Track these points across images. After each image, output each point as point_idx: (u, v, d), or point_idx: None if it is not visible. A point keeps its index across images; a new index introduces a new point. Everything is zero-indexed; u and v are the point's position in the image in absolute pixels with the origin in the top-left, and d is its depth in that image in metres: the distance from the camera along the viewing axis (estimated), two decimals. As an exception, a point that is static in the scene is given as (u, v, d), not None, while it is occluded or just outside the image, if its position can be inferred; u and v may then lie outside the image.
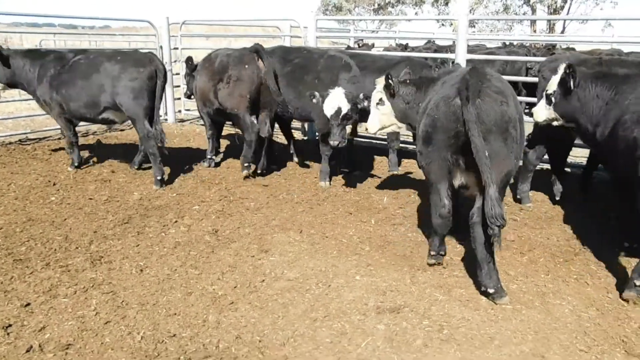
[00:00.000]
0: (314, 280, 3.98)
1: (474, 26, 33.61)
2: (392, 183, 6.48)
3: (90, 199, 5.84)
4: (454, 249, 4.59)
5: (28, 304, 3.59)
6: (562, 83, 4.66)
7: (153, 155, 6.18)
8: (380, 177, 6.69)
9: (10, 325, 3.33)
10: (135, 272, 4.09)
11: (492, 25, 35.16)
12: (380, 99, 4.89)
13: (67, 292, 3.75)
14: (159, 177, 6.19)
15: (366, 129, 5.29)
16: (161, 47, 10.05)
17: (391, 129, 5.14)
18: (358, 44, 14.23)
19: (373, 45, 13.88)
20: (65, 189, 6.15)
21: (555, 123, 4.97)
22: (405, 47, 12.95)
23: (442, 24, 29.04)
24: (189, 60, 7.35)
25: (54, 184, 6.31)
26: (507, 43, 13.99)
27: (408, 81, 4.85)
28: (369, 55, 7.40)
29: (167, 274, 4.07)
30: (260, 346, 3.16)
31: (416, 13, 39.81)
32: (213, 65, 6.54)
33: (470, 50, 8.67)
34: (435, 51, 11.82)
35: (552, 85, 4.79)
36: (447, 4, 37.88)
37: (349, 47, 12.12)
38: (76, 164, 6.86)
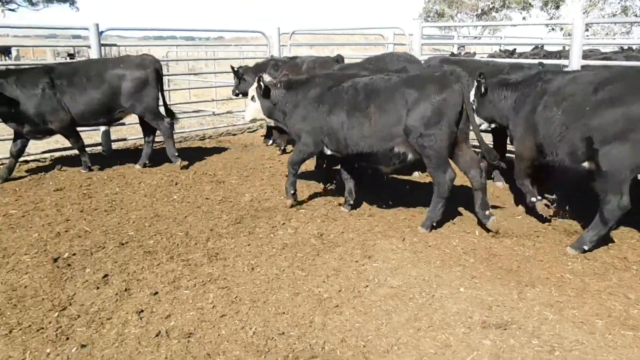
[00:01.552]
0: (417, 289, 3.92)
1: (588, 30, 31.30)
2: (498, 194, 6.21)
3: (207, 198, 6.20)
4: (565, 266, 4.31)
5: (156, 293, 3.88)
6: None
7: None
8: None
9: (142, 311, 3.62)
10: (247, 270, 4.27)
11: (609, 28, 32.55)
12: (253, 97, 5.77)
13: (188, 285, 4.01)
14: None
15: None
16: (272, 55, 10.44)
17: (262, 121, 6.23)
18: (460, 52, 13.82)
19: (475, 54, 13.39)
20: (186, 189, 6.58)
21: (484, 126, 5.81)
22: (512, 53, 12.35)
23: (552, 29, 27.33)
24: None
25: (176, 184, 6.78)
26: (626, 47, 12.87)
27: (279, 84, 5.61)
28: (474, 62, 7.20)
29: (276, 273, 4.21)
30: (365, 351, 3.17)
31: (524, 18, 37.83)
32: (299, 69, 6.90)
33: (584, 55, 8.08)
34: (544, 57, 11.15)
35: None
36: (557, 7, 35.65)
37: (452, 55, 11.80)
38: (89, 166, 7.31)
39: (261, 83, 5.60)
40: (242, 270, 4.27)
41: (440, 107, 4.65)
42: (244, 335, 3.32)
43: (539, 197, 5.24)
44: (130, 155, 8.29)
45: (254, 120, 6.26)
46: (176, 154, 7.50)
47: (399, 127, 4.82)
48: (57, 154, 8.18)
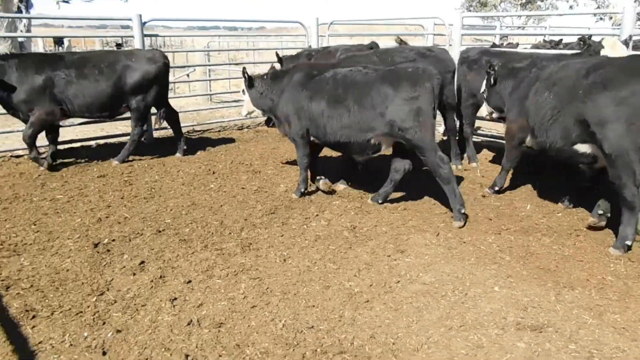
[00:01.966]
0: (450, 286, 3.81)
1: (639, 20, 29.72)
2: (538, 189, 5.99)
3: (243, 188, 6.23)
4: (607, 268, 4.11)
5: (189, 281, 3.91)
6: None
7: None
8: (523, 182, 6.21)
9: (175, 299, 3.65)
10: (279, 261, 4.26)
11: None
12: (243, 90, 6.03)
13: (221, 274, 4.02)
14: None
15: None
16: (310, 45, 10.35)
17: (255, 113, 6.29)
18: (502, 42, 13.34)
19: (517, 45, 12.90)
20: (222, 178, 6.62)
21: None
22: (557, 44, 11.84)
23: (601, 18, 26.13)
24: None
25: (213, 173, 6.83)
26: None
27: (265, 76, 5.86)
28: (515, 53, 6.94)
29: (307, 265, 4.18)
30: (394, 349, 3.10)
31: (571, 7, 36.32)
32: (333, 57, 6.95)
33: (635, 46, 7.65)
34: (590, 47, 10.64)
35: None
36: (607, -5, 34.06)
37: (494, 45, 11.42)
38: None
39: (245, 75, 5.87)
40: (274, 261, 4.26)
41: (414, 102, 4.88)
42: (273, 327, 3.31)
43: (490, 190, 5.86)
44: (171, 143, 8.40)
45: (249, 114, 6.35)
46: (126, 159, 7.32)
47: (377, 121, 5.03)
48: (101, 141, 8.38)
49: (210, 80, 13.68)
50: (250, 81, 5.91)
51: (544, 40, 12.92)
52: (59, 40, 31.28)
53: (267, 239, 4.73)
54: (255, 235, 4.82)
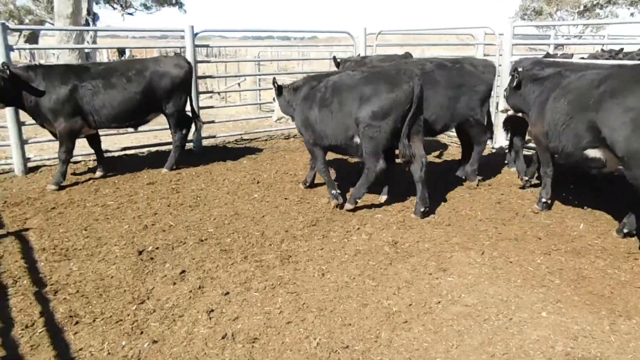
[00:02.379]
0: (494, 309, 3.60)
1: None
2: (592, 207, 5.62)
3: (286, 198, 6.19)
4: (668, 296, 3.77)
5: (227, 293, 3.88)
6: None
7: None
8: (576, 198, 5.86)
9: (212, 311, 3.63)
10: (317, 276, 4.17)
11: None
12: (274, 98, 6.40)
13: (259, 287, 3.97)
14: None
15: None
16: (359, 55, 10.26)
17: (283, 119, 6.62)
18: (556, 52, 12.73)
19: (572, 55, 12.29)
20: (266, 187, 6.62)
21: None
22: (617, 53, 11.20)
23: (665, 26, 24.56)
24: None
25: (258, 182, 6.84)
26: None
27: (290, 86, 6.17)
28: (569, 64, 6.57)
29: (346, 281, 4.07)
30: (431, 374, 2.94)
31: (632, 14, 34.47)
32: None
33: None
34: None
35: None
36: (673, 1, 32.10)
37: (548, 55, 10.94)
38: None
39: (275, 84, 6.24)
40: (313, 276, 4.17)
41: (388, 103, 5.08)
42: (307, 345, 3.22)
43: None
44: (218, 152, 8.52)
45: (279, 119, 6.65)
46: (174, 167, 7.40)
47: (351, 120, 5.30)
48: (153, 149, 8.58)
49: (260, 89, 13.82)
50: (279, 90, 6.22)
51: (602, 50, 12.27)
52: (122, 51, 32.61)
53: (307, 251, 4.65)
54: (295, 247, 4.75)
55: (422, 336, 3.31)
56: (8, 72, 6.01)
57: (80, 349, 3.16)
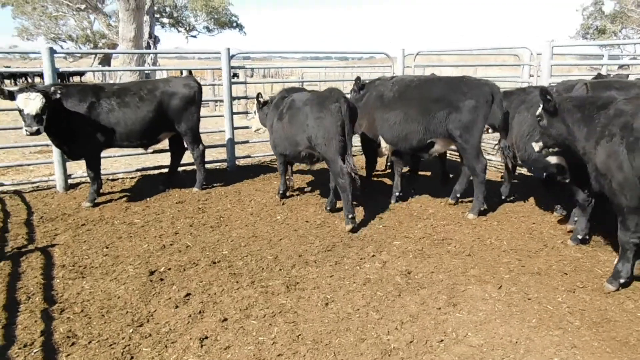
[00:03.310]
0: (500, 352, 3.30)
1: None
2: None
3: (307, 221, 6.07)
4: None
5: (225, 320, 3.79)
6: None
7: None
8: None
9: (206, 338, 3.54)
10: (320, 305, 4.00)
11: None
12: (255, 110, 7.36)
13: (258, 314, 3.85)
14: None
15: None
16: (393, 74, 10.07)
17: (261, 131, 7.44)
18: (609, 72, 11.95)
19: (628, 76, 11.50)
20: (290, 210, 6.53)
21: None
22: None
23: None
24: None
25: (283, 204, 6.76)
26: None
27: (269, 101, 6.91)
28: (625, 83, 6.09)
29: (348, 312, 3.88)
30: (417, 423, 2.70)
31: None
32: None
33: None
34: None
35: None
36: None
37: (599, 76, 10.29)
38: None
39: (260, 99, 7.13)
40: (315, 305, 4.01)
41: (322, 120, 5.69)
42: (292, 381, 3.05)
43: None
44: (252, 172, 8.54)
45: (258, 130, 7.48)
46: (204, 184, 7.50)
47: (302, 135, 5.92)
48: (189, 168, 8.71)
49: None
50: (261, 104, 7.12)
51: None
52: (190, 72, 33.82)
53: (315, 278, 4.50)
54: (305, 273, 4.61)
55: (415, 378, 3.07)
56: (59, 93, 6.10)
57: (69, 372, 3.14)
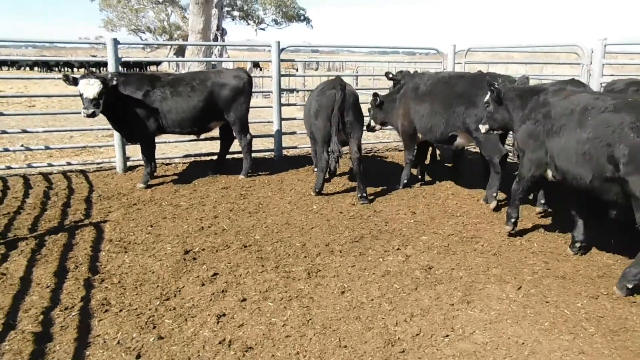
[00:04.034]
0: (503, 351, 3.27)
1: None
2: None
3: (341, 212, 6.16)
4: None
5: (244, 300, 3.98)
6: None
7: None
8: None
9: (224, 315, 3.75)
10: (336, 293, 4.10)
11: None
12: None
13: (276, 297, 4.02)
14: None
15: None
16: (444, 69, 9.90)
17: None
18: None
19: None
20: (327, 200, 6.64)
21: None
22: None
23: None
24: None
25: (322, 194, 6.88)
26: None
27: None
28: None
29: (362, 302, 3.95)
30: (405, 412, 2.76)
31: None
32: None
33: None
34: None
35: None
36: None
37: None
38: None
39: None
40: (332, 292, 4.12)
41: (318, 106, 6.42)
42: (294, 361, 3.19)
43: None
44: (297, 161, 8.72)
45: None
46: (249, 172, 7.77)
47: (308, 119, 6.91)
48: (238, 156, 9.03)
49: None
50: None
51: None
52: (257, 64, 34.62)
53: (337, 267, 4.60)
54: (328, 262, 4.72)
55: (413, 369, 3.11)
56: (115, 79, 6.56)
57: (98, 335, 3.45)
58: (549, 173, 4.67)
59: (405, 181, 7.19)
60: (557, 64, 8.13)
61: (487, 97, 5.38)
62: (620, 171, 3.87)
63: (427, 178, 7.69)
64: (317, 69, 41.18)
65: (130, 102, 6.89)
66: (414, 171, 7.62)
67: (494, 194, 6.07)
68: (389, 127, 7.90)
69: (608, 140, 3.95)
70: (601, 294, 4.02)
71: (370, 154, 9.76)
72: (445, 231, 5.49)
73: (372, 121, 7.71)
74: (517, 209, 5.18)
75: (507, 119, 5.22)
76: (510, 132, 5.89)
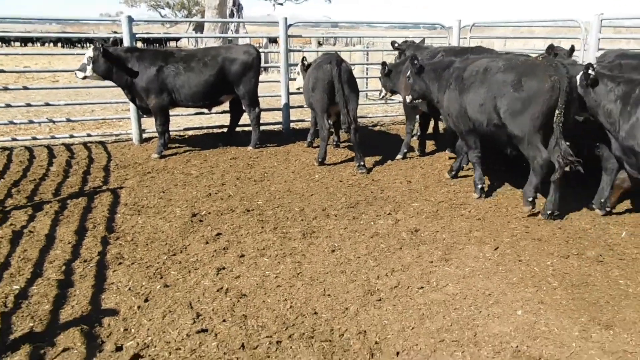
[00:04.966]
0: (470, 300, 3.61)
1: None
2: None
3: (340, 181, 6.51)
4: (673, 315, 3.41)
5: (243, 256, 4.38)
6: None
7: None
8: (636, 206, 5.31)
9: (223, 268, 4.15)
10: (326, 251, 4.48)
11: None
12: (298, 72, 8.19)
13: (271, 254, 4.41)
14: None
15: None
16: (449, 44, 10.01)
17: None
18: None
19: None
20: (329, 170, 6.98)
21: None
22: None
23: None
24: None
25: (325, 164, 7.22)
26: None
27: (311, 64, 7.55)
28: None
29: (349, 259, 4.32)
30: (375, 347, 3.13)
31: None
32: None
33: None
34: None
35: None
36: None
37: None
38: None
39: (304, 62, 7.85)
40: (322, 250, 4.49)
41: (315, 80, 6.86)
42: (281, 306, 3.58)
43: None
44: (304, 134, 9.02)
45: (299, 88, 8.16)
46: (257, 144, 8.13)
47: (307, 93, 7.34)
48: (247, 128, 9.39)
49: (367, 77, 14.11)
50: (305, 67, 7.75)
51: None
52: (273, 39, 34.60)
53: (331, 229, 4.96)
54: (323, 224, 5.09)
55: (386, 314, 3.48)
56: (102, 50, 7.10)
57: (112, 283, 3.89)
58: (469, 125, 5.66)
59: (405, 151, 7.47)
60: (555, 38, 8.19)
61: (409, 72, 6.26)
62: (501, 118, 5.06)
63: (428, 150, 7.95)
64: (334, 44, 41.15)
65: (143, 76, 7.28)
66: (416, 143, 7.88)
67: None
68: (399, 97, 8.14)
69: (495, 94, 5.09)
70: (572, 254, 4.31)
71: (376, 127, 10.02)
72: (437, 198, 5.80)
73: (382, 89, 8.04)
74: (479, 171, 5.85)
75: (424, 89, 6.20)
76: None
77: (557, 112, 4.74)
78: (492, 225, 4.99)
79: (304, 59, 7.91)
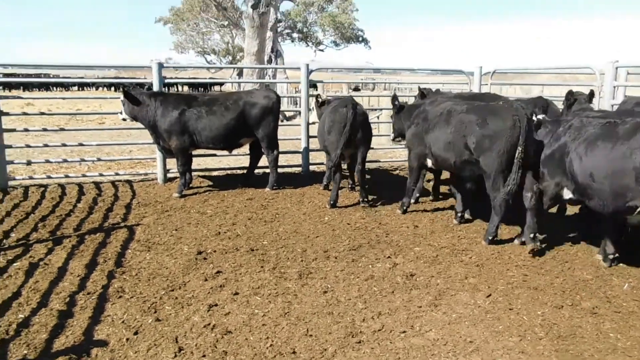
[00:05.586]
0: (450, 347, 3.59)
1: None
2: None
3: (348, 223, 6.60)
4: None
5: (237, 294, 4.51)
6: None
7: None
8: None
9: (215, 305, 4.28)
10: (318, 292, 4.54)
11: None
12: (312, 107, 9.05)
13: (265, 293, 4.52)
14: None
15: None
16: (470, 91, 10.12)
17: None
18: None
19: None
20: (339, 212, 7.10)
21: None
22: None
23: None
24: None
25: (336, 207, 7.35)
26: None
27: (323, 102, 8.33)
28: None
29: (339, 300, 4.37)
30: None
31: None
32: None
33: None
34: None
35: None
36: None
37: None
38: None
39: (318, 99, 8.39)
40: (314, 292, 4.56)
41: (331, 122, 7.14)
42: (262, 345, 3.66)
43: None
44: (322, 177, 9.22)
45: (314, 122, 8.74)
46: (275, 186, 8.38)
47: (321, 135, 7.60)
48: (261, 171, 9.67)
49: (378, 123, 14.36)
50: (320, 103, 8.33)
51: None
52: (314, 85, 35.50)
53: (328, 271, 5.04)
54: (321, 266, 5.17)
55: (363, 357, 3.50)
56: (124, 92, 7.75)
57: (108, 315, 4.09)
58: (429, 161, 6.43)
59: (417, 195, 7.52)
60: (571, 85, 8.15)
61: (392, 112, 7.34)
62: (473, 154, 5.58)
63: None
64: (373, 89, 41.81)
65: (166, 119, 7.74)
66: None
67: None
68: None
69: (463, 133, 5.65)
70: (566, 305, 4.21)
71: (395, 172, 10.11)
72: (440, 243, 5.79)
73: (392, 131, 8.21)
74: (409, 198, 7.03)
75: (402, 127, 7.14)
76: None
77: (519, 148, 5.23)
78: (490, 272, 4.93)
79: (318, 95, 8.38)
